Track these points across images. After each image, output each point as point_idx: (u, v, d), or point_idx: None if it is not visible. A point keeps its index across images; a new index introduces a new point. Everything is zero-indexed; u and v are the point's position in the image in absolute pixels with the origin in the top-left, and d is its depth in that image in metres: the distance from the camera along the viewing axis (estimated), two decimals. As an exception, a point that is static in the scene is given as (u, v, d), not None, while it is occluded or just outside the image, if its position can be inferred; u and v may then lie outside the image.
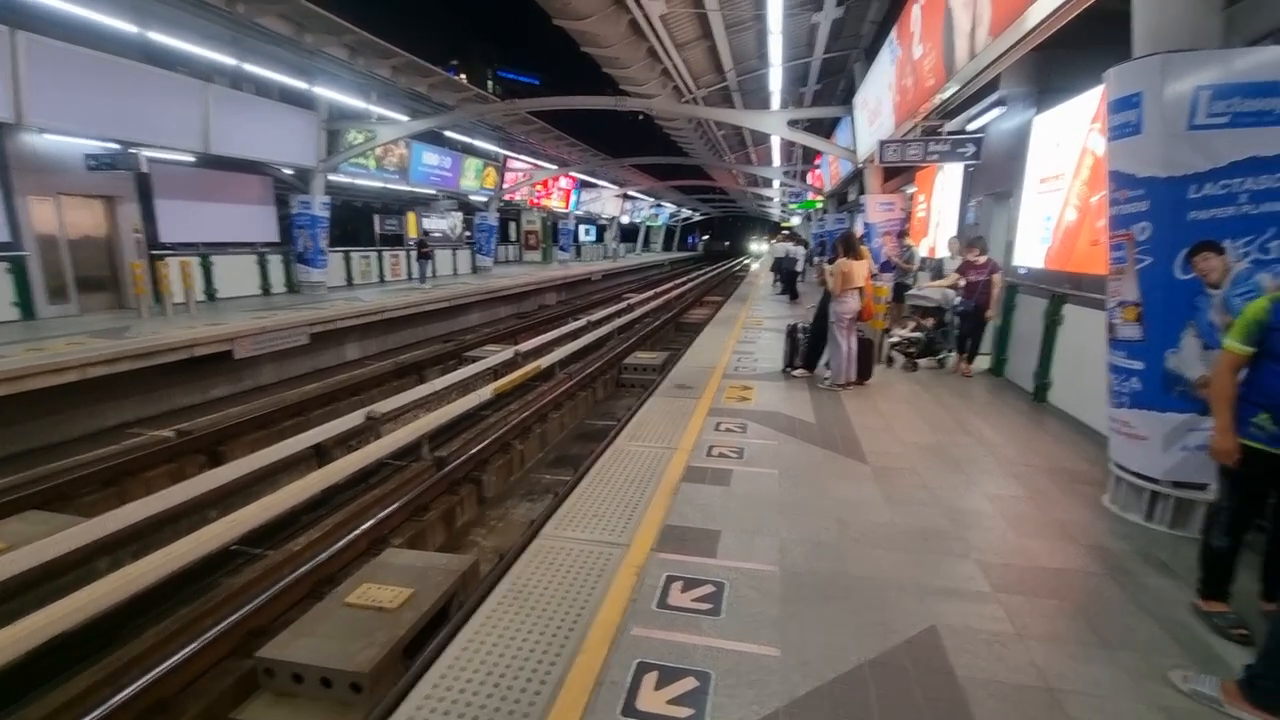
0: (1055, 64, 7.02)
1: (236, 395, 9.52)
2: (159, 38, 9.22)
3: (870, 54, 11.12)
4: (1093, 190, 5.38)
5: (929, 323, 7.71)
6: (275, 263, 14.29)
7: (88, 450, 6.47)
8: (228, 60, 10.47)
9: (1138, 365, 3.47)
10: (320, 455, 6.75)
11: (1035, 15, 4.48)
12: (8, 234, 9.32)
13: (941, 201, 10.63)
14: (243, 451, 6.55)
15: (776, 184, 28.32)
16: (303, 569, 4.36)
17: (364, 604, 3.45)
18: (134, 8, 8.74)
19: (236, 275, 13.35)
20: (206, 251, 12.83)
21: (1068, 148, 5.92)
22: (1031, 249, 6.69)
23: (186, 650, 3.48)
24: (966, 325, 7.29)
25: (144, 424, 7.93)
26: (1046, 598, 2.90)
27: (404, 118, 14.63)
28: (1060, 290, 5.87)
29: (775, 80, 13.07)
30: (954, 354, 7.64)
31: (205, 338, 8.54)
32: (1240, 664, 2.32)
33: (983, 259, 6.89)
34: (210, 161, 12.33)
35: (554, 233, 30.84)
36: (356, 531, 4.88)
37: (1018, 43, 5.07)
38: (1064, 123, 6.01)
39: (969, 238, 7.42)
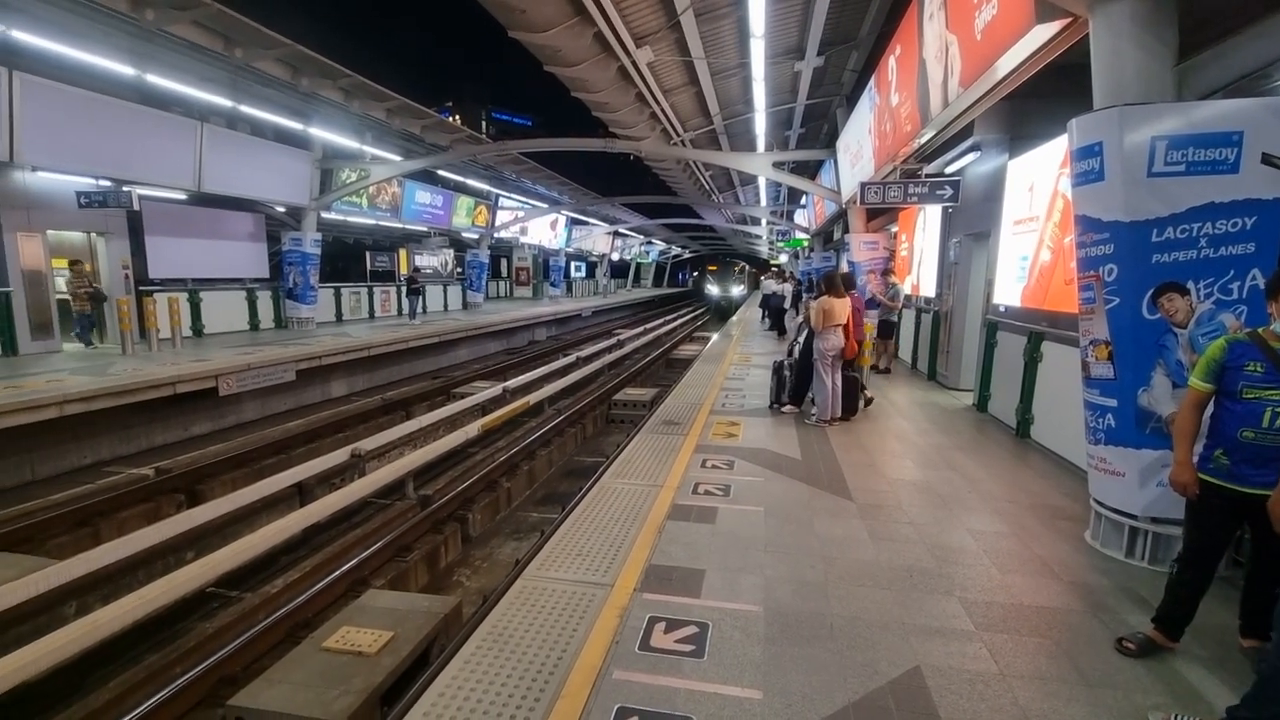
0: (1025, 112, 7.31)
1: (218, 433, 9.41)
2: (157, 80, 9.39)
3: (851, 100, 11.53)
4: (1065, 232, 5.54)
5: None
6: (264, 299, 14.31)
7: (63, 489, 6.36)
8: (224, 101, 10.66)
9: (1111, 403, 3.54)
10: (302, 494, 6.66)
11: (1003, 68, 4.69)
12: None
13: (924, 241, 10.87)
14: (222, 490, 6.44)
15: (764, 222, 28.87)
16: (279, 612, 4.27)
17: (342, 648, 3.38)
18: (133, 51, 8.93)
19: (225, 311, 13.34)
20: (196, 287, 12.84)
21: (1040, 191, 6.11)
22: (1009, 288, 6.83)
23: (153, 700, 3.37)
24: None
25: (122, 462, 7.81)
26: (1029, 636, 2.89)
27: (397, 157, 14.88)
28: (1038, 328, 6.00)
29: (760, 124, 13.46)
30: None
31: (189, 374, 8.48)
32: (1223, 704, 2.31)
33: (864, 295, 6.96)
34: (202, 199, 12.44)
35: (545, 269, 31.12)
36: (336, 573, 4.79)
37: (987, 93, 5.30)
38: (1036, 167, 6.22)
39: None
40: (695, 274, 71.77)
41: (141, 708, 3.31)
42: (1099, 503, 3.80)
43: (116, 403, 7.59)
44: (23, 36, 7.78)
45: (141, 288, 11.71)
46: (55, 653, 3.41)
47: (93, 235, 11.11)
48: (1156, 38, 3.32)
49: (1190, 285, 3.26)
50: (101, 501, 5.93)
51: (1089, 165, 3.47)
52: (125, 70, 8.98)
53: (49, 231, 10.19)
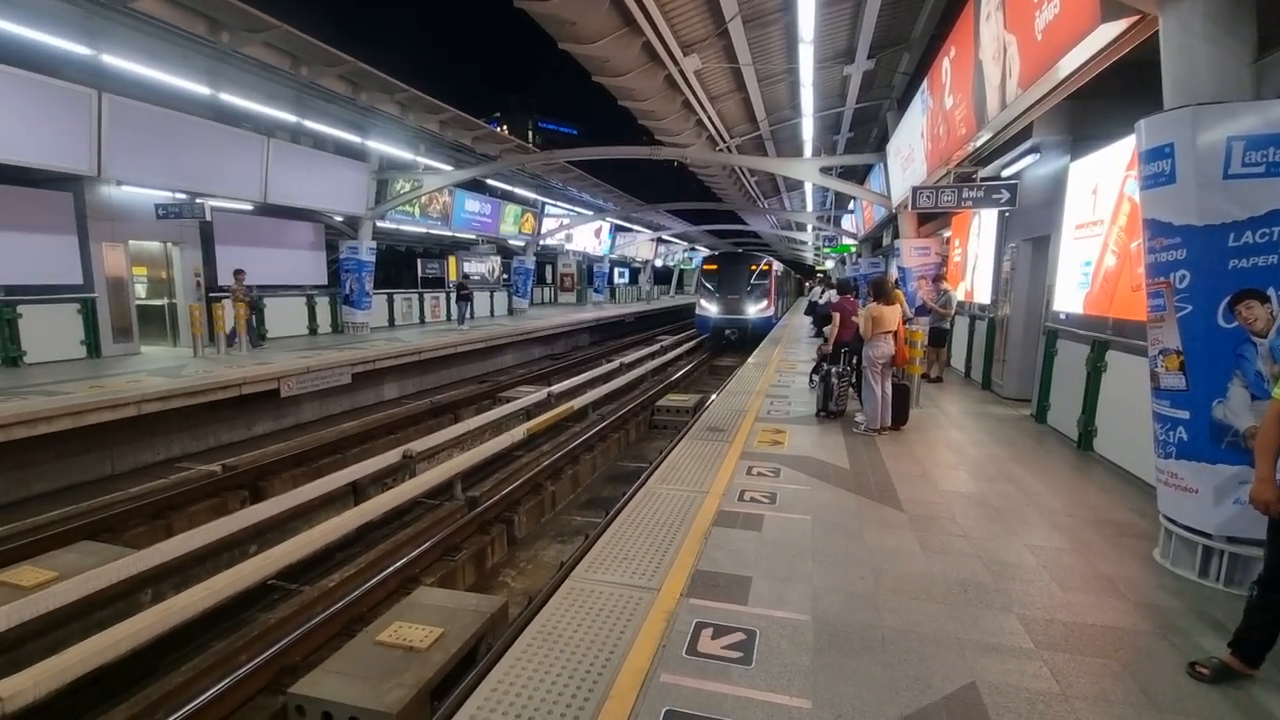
0: (1089, 112, 7.04)
1: (279, 432, 9.84)
2: (229, 98, 9.96)
3: (902, 103, 11.29)
4: (1131, 236, 5.31)
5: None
6: (323, 304, 14.91)
7: (139, 483, 6.77)
8: (289, 117, 11.22)
9: (1183, 415, 3.37)
10: (356, 492, 6.91)
11: (1065, 68, 4.53)
12: (81, 277, 10.00)
13: (978, 246, 10.54)
14: (283, 487, 6.74)
15: (810, 228, 28.51)
16: (336, 606, 4.43)
17: (395, 643, 3.49)
18: (208, 71, 9.48)
19: (286, 316, 13.96)
20: (260, 294, 13.47)
21: (1105, 194, 5.87)
22: (1071, 294, 6.57)
23: (221, 685, 3.55)
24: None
25: (191, 459, 8.25)
26: (1093, 656, 2.77)
27: (448, 167, 15.32)
28: (1102, 336, 5.75)
29: (808, 129, 13.32)
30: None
31: (253, 376, 8.91)
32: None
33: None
34: (267, 209, 13.07)
35: (589, 275, 31.43)
36: (389, 570, 4.95)
37: (1048, 94, 5.13)
38: (1100, 170, 5.98)
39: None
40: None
41: (210, 692, 3.49)
42: (1169, 519, 3.62)
43: (189, 403, 8.04)
44: (111, 60, 8.36)
45: (210, 294, 12.37)
46: (134, 636, 3.65)
47: (168, 245, 11.82)
48: (1232, 34, 3.16)
49: (1271, 292, 3.08)
50: (174, 495, 6.29)
51: (1159, 167, 3.32)
52: (201, 89, 9.55)
53: (130, 241, 10.89)
